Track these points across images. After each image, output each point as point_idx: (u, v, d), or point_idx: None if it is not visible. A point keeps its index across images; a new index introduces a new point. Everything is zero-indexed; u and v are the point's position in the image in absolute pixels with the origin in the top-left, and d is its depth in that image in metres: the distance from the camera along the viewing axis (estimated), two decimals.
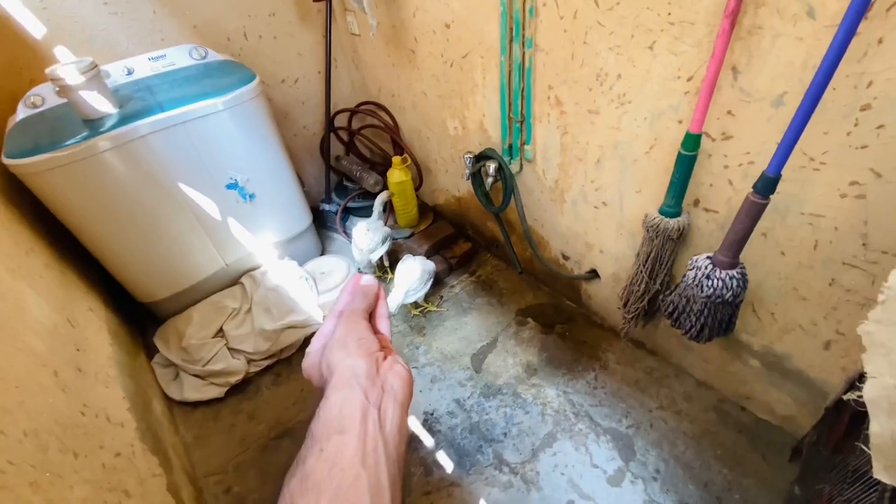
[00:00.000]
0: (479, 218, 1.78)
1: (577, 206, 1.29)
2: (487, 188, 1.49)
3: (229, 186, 1.46)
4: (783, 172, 0.76)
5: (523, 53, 1.13)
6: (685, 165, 0.90)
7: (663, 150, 0.98)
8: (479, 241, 1.89)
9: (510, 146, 1.35)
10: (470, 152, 1.48)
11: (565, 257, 1.48)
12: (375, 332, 0.37)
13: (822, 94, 0.66)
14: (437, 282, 1.75)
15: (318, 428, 0.29)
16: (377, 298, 0.40)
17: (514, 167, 1.38)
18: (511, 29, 1.11)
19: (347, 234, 1.92)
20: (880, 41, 0.63)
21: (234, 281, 1.66)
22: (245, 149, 1.44)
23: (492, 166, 1.40)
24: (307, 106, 1.91)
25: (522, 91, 1.20)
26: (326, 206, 2.01)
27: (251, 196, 1.52)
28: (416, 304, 1.63)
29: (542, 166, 1.32)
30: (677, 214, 0.98)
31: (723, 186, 0.92)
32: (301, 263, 1.74)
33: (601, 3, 0.91)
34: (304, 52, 1.79)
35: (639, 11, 0.86)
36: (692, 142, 0.87)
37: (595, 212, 1.24)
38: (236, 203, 1.51)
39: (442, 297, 1.70)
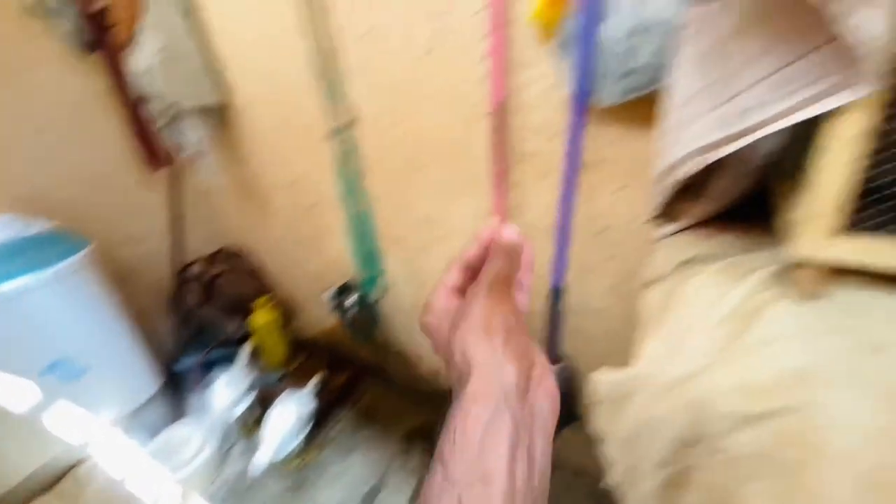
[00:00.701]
0: (352, 347, 1.79)
1: None
2: (354, 318, 1.55)
3: (51, 366, 1.27)
4: (567, 282, 0.96)
5: (362, 202, 1.29)
6: None
7: None
8: (356, 369, 1.87)
9: (368, 277, 1.46)
10: (332, 287, 1.55)
11: (440, 371, 1.55)
12: None
13: (570, 224, 0.89)
14: (316, 423, 1.65)
15: (453, 460, 0.23)
16: (521, 264, 0.33)
17: (375, 296, 1.48)
18: (348, 184, 1.28)
19: (207, 391, 1.75)
20: (593, 187, 0.90)
21: (58, 479, 1.35)
22: (74, 322, 1.30)
23: (354, 297, 1.48)
24: (155, 261, 1.83)
25: (369, 232, 1.35)
26: (181, 364, 1.83)
27: (81, 372, 1.34)
28: (291, 458, 1.50)
29: (399, 292, 1.43)
30: None
31: (534, 297, 1.12)
32: (150, 437, 1.51)
33: (413, 165, 1.13)
34: (150, 210, 1.77)
35: (441, 172, 1.09)
36: None
37: None
38: (62, 384, 1.30)
39: (321, 440, 1.60)
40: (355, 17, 1.00)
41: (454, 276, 0.34)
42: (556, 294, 0.96)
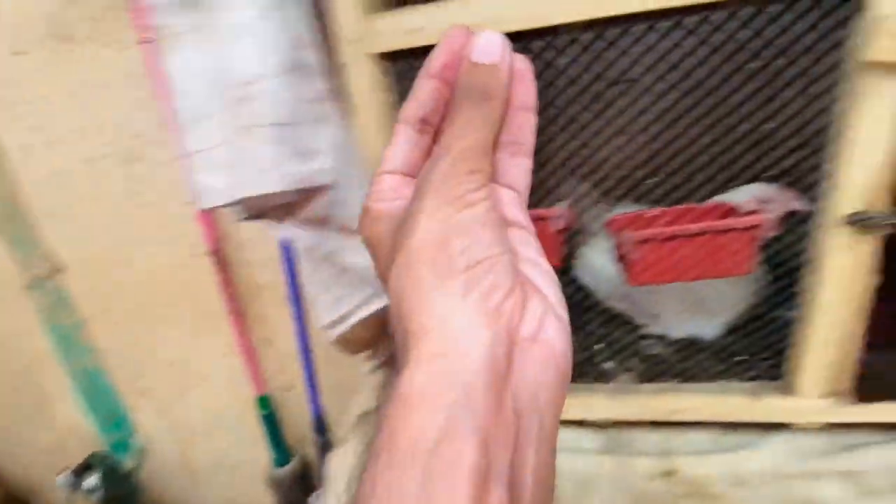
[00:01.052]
0: None
1: (217, 475, 1.21)
2: (108, 497, 1.23)
3: None
4: (326, 407, 0.93)
5: (88, 357, 1.07)
6: (269, 421, 1.00)
7: (254, 415, 1.05)
8: None
9: (116, 442, 1.19)
10: (72, 464, 1.21)
11: None
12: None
13: (309, 349, 0.87)
14: None
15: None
16: (515, 104, 0.18)
17: (130, 462, 1.20)
18: (63, 339, 1.05)
19: None
20: None
21: None
22: None
23: (97, 474, 1.17)
24: None
25: (104, 390, 1.11)
26: None
27: None
28: None
29: (159, 450, 1.20)
30: (287, 461, 1.04)
31: (308, 423, 1.05)
32: None
33: (144, 309, 0.99)
34: None
35: (176, 313, 0.98)
36: (263, 402, 0.98)
37: (235, 470, 1.19)
38: None
39: None
40: (32, 161, 0.87)
41: (401, 146, 0.18)
42: (319, 423, 0.91)
